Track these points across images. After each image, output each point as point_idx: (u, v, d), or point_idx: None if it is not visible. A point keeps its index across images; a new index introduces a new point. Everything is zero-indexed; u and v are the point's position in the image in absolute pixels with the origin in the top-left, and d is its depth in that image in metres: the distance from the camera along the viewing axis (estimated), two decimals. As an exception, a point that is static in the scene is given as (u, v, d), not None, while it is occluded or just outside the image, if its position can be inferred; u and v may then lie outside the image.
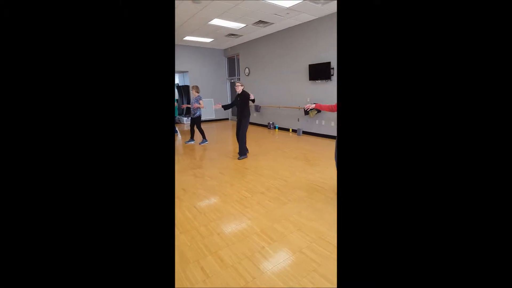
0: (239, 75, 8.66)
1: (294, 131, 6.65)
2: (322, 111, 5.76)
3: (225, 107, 4.43)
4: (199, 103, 5.09)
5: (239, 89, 4.10)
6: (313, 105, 2.73)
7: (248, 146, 4.54)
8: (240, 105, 4.13)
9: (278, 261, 1.64)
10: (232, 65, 9.02)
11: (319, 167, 3.59)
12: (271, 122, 7.29)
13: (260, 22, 5.72)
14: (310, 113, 5.91)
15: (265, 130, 7.16)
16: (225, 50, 8.95)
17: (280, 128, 7.14)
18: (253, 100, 4.06)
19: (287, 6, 4.72)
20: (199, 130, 5.33)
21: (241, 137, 4.12)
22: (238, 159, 4.14)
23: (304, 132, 6.32)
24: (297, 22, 5.86)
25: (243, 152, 4.19)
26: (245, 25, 5.91)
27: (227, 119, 9.61)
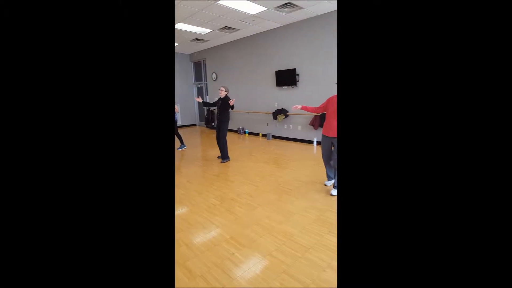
0: (206, 80, 8.56)
1: (264, 135, 6.74)
2: (290, 115, 5.93)
3: (204, 104, 4.38)
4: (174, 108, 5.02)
5: (222, 94, 4.09)
6: (300, 106, 2.89)
7: (218, 152, 4.50)
8: (220, 110, 4.13)
9: (248, 266, 1.63)
10: (199, 70, 8.90)
11: (288, 170, 3.67)
12: (241, 127, 7.31)
13: (226, 28, 5.74)
14: (279, 117, 6.04)
15: (235, 135, 7.14)
16: (191, 54, 8.80)
17: (250, 133, 7.18)
18: (232, 107, 4.08)
19: (253, 13, 4.81)
20: (176, 135, 5.20)
21: (222, 142, 4.18)
22: (221, 162, 4.21)
23: (274, 137, 6.43)
24: (263, 29, 5.99)
25: (225, 156, 4.26)
26: (211, 30, 5.88)
27: (195, 125, 9.41)
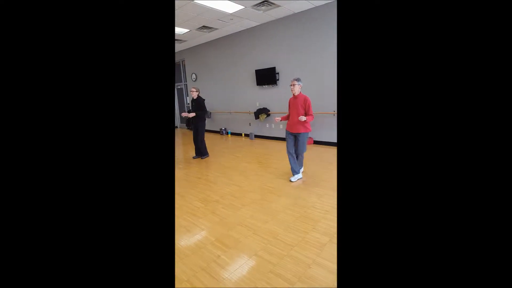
0: (186, 80, 8.41)
1: (246, 135, 6.73)
2: (271, 114, 5.96)
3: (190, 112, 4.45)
4: None
5: (194, 95, 4.18)
6: (280, 119, 3.18)
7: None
8: (195, 110, 4.20)
9: (234, 267, 1.62)
10: (178, 70, 8.71)
11: (271, 169, 3.69)
12: (223, 128, 7.25)
13: (204, 27, 5.66)
14: (260, 117, 6.06)
15: (218, 136, 7.08)
16: (170, 55, 8.60)
17: (232, 133, 7.14)
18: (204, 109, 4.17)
19: (230, 12, 4.78)
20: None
21: (200, 140, 4.32)
22: (201, 158, 4.43)
23: (256, 136, 6.45)
24: (241, 28, 5.97)
25: (204, 152, 4.44)
26: (188, 30, 5.78)
27: (176, 127, 9.22)
